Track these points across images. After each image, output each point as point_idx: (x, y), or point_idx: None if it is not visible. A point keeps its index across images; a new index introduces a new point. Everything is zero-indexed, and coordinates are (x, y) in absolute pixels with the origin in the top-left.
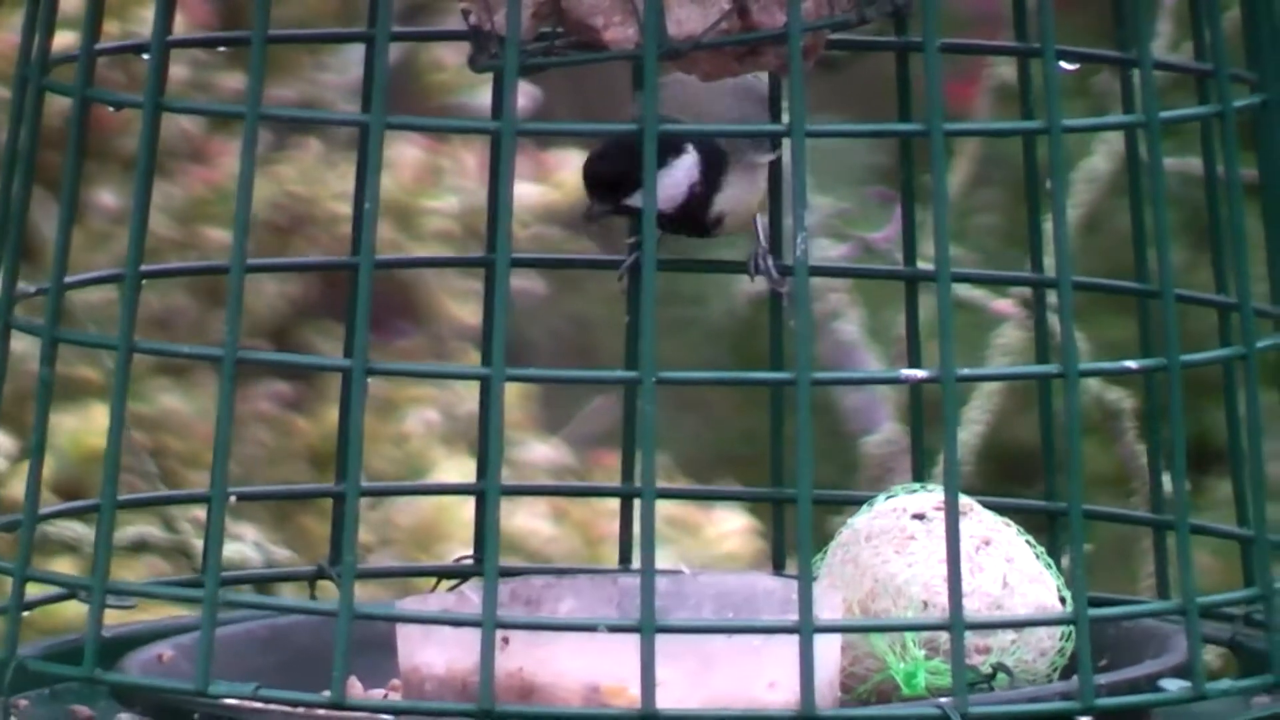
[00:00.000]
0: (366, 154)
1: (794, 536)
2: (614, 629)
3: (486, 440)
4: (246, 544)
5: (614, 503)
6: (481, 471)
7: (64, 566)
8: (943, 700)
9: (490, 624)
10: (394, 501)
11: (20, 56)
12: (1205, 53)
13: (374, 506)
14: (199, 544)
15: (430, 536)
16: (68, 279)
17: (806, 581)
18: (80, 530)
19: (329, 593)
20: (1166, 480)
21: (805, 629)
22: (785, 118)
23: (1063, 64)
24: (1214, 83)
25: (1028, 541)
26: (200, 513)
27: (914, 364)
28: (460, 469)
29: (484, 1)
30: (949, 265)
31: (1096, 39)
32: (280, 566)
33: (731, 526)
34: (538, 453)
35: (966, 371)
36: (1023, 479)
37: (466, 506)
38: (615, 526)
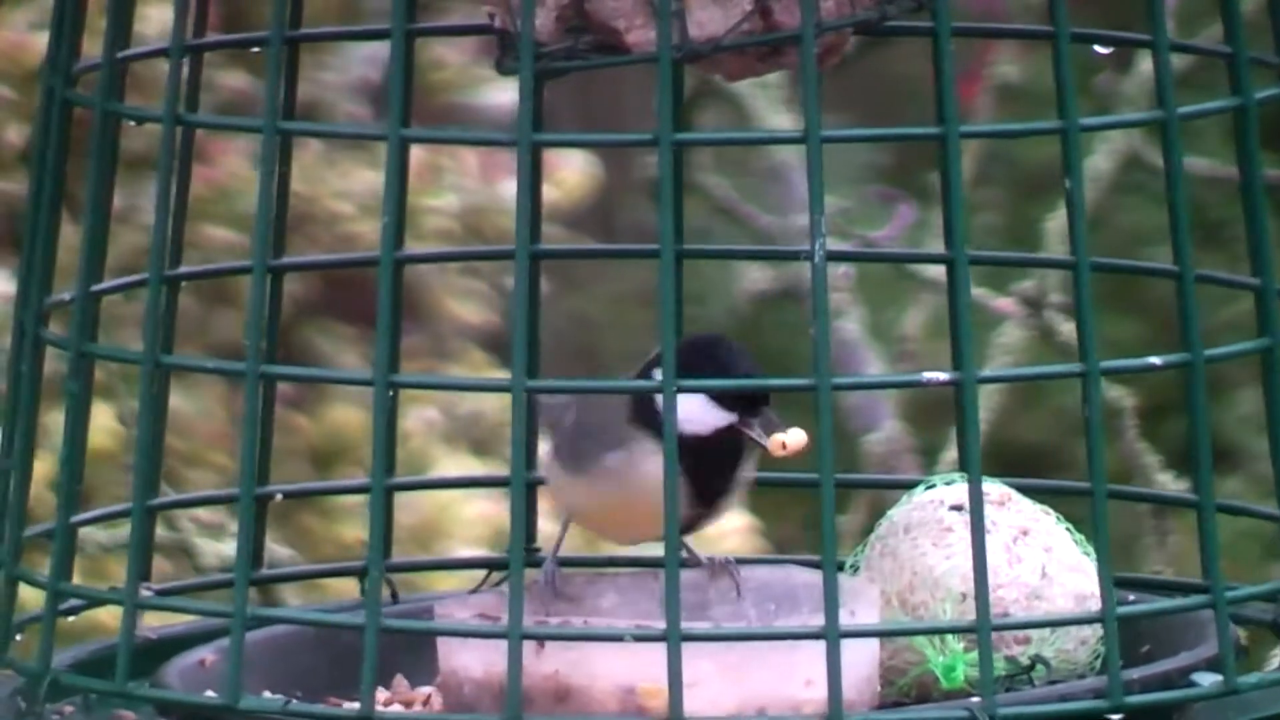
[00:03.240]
0: (388, 167)
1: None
2: (639, 639)
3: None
4: None
5: None
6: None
7: None
8: (971, 701)
9: (516, 635)
10: (395, 499)
11: (45, 67)
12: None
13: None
14: (199, 543)
15: (431, 534)
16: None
17: (832, 588)
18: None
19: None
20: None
21: (831, 635)
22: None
23: (1098, 48)
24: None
25: (1068, 529)
26: (199, 512)
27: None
28: (460, 467)
29: (507, 4)
30: (967, 266)
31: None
32: (280, 566)
33: (731, 525)
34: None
35: (988, 373)
36: (1025, 477)
37: (468, 505)
38: None
